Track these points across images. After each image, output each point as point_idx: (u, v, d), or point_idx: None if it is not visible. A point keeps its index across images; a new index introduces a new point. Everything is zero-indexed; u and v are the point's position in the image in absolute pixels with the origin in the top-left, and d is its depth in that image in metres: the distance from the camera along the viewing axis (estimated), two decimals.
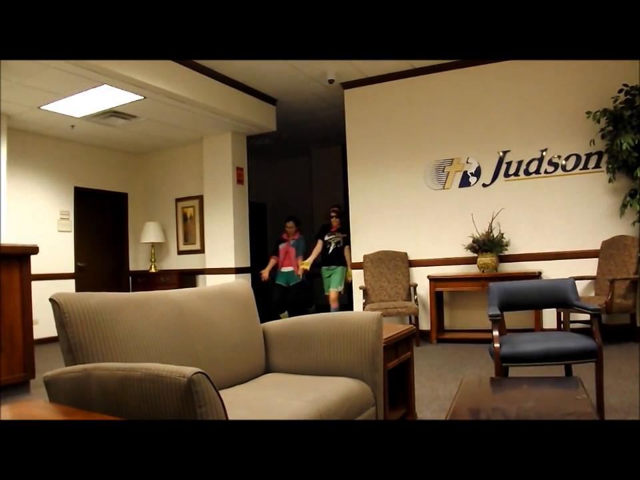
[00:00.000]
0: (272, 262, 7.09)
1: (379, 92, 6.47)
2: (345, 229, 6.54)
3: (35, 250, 4.17)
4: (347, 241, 6.51)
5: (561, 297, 3.16)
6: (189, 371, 1.32)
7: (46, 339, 6.10)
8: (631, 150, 4.92)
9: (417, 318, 5.80)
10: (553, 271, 5.48)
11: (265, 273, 6.97)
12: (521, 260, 5.73)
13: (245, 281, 2.78)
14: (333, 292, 6.46)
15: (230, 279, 6.89)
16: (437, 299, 5.87)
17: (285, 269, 6.96)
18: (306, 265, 6.51)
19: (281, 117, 7.35)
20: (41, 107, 5.86)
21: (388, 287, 6.04)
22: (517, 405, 1.98)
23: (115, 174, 8.15)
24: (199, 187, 7.76)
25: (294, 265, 6.84)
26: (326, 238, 6.55)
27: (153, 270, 8.06)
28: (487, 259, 5.58)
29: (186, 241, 8.10)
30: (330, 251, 6.50)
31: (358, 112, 6.62)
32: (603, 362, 2.75)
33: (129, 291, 7.20)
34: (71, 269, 7.36)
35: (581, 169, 5.54)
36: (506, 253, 5.70)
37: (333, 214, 6.54)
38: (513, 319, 4.41)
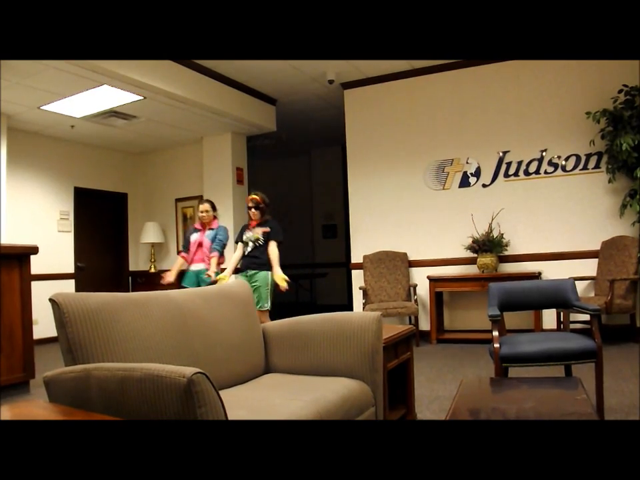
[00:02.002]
0: (179, 261, 5.34)
1: (378, 92, 6.48)
2: (267, 221, 4.90)
3: (34, 250, 4.17)
4: (271, 236, 4.80)
5: (560, 298, 3.16)
6: (189, 371, 1.32)
7: (46, 339, 6.10)
8: (631, 150, 4.92)
9: (416, 318, 5.80)
10: (552, 271, 5.48)
11: (170, 276, 5.18)
12: (521, 260, 5.73)
13: (244, 281, 2.78)
14: (257, 313, 4.75)
15: (230, 279, 6.87)
16: (437, 299, 5.87)
17: (194, 267, 5.18)
18: (224, 278, 4.79)
19: (281, 117, 7.35)
20: (41, 107, 5.87)
21: (388, 287, 6.03)
22: (516, 405, 1.98)
23: (115, 174, 8.15)
24: (198, 187, 7.76)
25: (207, 262, 5.13)
26: (244, 238, 4.91)
27: (152, 270, 8.05)
28: (486, 259, 5.58)
29: None
30: (247, 252, 4.82)
31: (358, 112, 6.62)
32: (603, 362, 2.75)
33: (128, 291, 7.20)
34: (70, 269, 7.36)
35: (580, 170, 5.54)
36: (506, 253, 5.70)
37: (249, 205, 4.87)
38: (512, 319, 4.41)
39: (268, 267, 4.71)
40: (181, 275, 5.26)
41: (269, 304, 4.76)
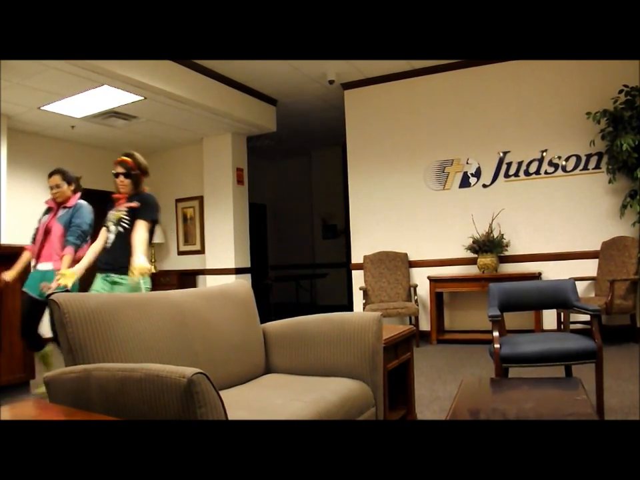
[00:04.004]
0: (24, 256, 3.78)
1: (379, 92, 6.48)
2: (139, 195, 3.34)
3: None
4: (138, 213, 3.23)
5: (561, 298, 3.16)
6: (189, 371, 1.32)
7: (46, 339, 6.09)
8: (631, 151, 4.92)
9: (417, 318, 5.80)
10: (553, 271, 5.48)
11: (7, 275, 3.69)
12: (521, 261, 5.73)
13: (245, 281, 2.78)
14: None
15: (230, 279, 6.88)
16: (437, 299, 5.86)
17: (40, 266, 3.70)
18: (67, 277, 3.29)
19: (281, 118, 7.35)
20: (41, 108, 5.86)
21: (388, 287, 6.03)
22: (516, 405, 1.98)
23: None
24: (199, 188, 7.76)
25: (57, 259, 3.57)
26: (106, 221, 3.40)
27: (153, 270, 8.05)
28: (487, 260, 5.58)
29: (186, 242, 8.10)
30: (110, 242, 3.31)
31: (358, 112, 6.62)
32: (603, 363, 2.75)
33: None
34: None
35: (581, 170, 5.54)
36: (506, 253, 5.70)
37: (116, 170, 3.33)
38: (513, 319, 4.40)
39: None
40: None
41: None
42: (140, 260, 2.98)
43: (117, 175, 3.33)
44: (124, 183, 3.32)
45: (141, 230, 3.16)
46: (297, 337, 2.44)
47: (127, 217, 3.24)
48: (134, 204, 3.26)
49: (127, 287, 3.15)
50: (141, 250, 3.06)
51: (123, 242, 3.19)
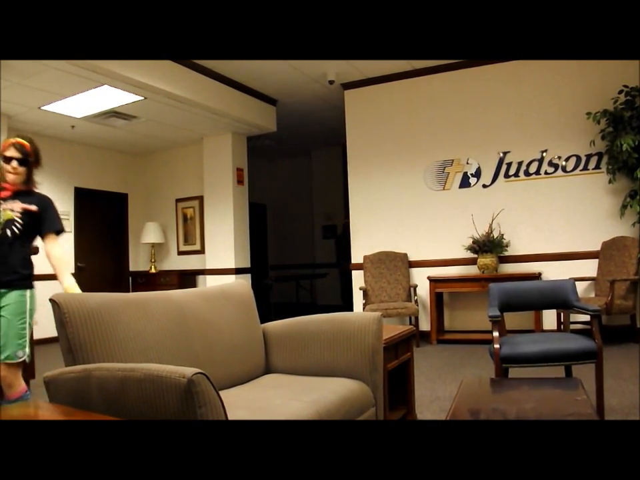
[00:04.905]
0: None
1: (379, 93, 6.48)
2: (33, 194, 2.83)
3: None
4: (44, 223, 2.81)
5: (561, 298, 3.16)
6: (189, 371, 1.32)
7: (46, 339, 6.10)
8: (631, 151, 4.92)
9: (417, 319, 5.80)
10: (553, 271, 5.48)
11: None
12: (521, 261, 5.73)
13: (245, 281, 2.78)
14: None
15: (230, 279, 6.88)
16: (437, 299, 5.86)
17: None
18: None
19: (281, 118, 7.35)
20: (42, 108, 5.87)
21: (388, 287, 6.03)
22: (516, 405, 1.98)
23: (115, 174, 8.15)
24: (199, 188, 7.77)
25: None
26: None
27: (153, 270, 8.06)
28: (487, 260, 5.58)
29: (186, 242, 8.10)
30: None
31: (358, 113, 6.62)
32: (603, 363, 2.75)
33: (129, 292, 7.20)
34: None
35: (581, 170, 5.54)
36: (506, 253, 5.70)
37: (7, 154, 2.69)
38: (513, 319, 4.40)
39: (26, 280, 2.75)
40: None
41: (25, 349, 2.63)
42: (70, 283, 2.66)
43: (8, 160, 2.68)
44: (17, 171, 2.70)
45: (57, 247, 2.76)
46: (297, 337, 2.44)
47: (20, 221, 2.68)
48: (32, 207, 2.73)
49: (13, 311, 2.64)
50: (67, 270, 2.69)
51: (7, 248, 2.66)
